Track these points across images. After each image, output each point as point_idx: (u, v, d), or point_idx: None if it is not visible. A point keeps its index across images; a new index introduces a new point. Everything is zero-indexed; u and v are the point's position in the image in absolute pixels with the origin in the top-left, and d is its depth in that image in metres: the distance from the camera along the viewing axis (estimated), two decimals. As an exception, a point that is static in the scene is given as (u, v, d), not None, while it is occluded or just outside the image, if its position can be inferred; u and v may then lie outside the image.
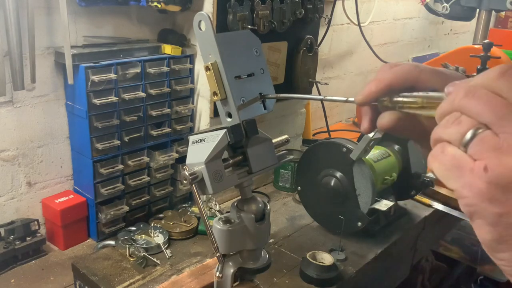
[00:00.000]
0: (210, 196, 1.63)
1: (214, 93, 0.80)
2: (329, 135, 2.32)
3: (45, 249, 1.50)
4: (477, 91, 0.39)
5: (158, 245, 1.45)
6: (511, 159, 0.36)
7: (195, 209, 1.67)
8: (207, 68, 0.79)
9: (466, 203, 0.39)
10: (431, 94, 0.47)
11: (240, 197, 0.92)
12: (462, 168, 0.39)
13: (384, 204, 1.46)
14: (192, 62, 1.66)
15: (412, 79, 0.50)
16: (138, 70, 1.51)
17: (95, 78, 1.39)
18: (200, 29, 0.78)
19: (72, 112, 1.50)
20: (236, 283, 0.96)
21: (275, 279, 1.35)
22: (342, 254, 1.47)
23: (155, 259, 1.39)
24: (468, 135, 0.39)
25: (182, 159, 1.70)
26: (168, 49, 1.61)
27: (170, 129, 1.64)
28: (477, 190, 0.38)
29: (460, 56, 2.22)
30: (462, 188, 0.39)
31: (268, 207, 0.94)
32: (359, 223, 1.47)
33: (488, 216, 0.38)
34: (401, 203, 1.79)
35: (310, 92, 2.12)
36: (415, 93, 0.49)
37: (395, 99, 0.50)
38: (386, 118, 0.52)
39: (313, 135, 2.45)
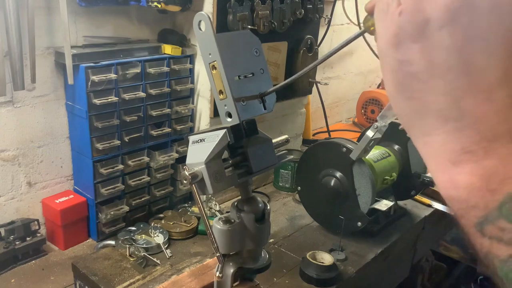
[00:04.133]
0: (210, 196, 1.64)
1: (220, 92, 0.80)
2: (329, 135, 2.33)
3: (45, 249, 1.50)
4: None
5: (158, 245, 1.45)
6: (423, 5, 0.37)
7: (195, 209, 1.67)
8: (213, 67, 0.79)
9: (378, 47, 0.41)
10: None
11: (240, 197, 0.92)
12: (387, 12, 0.40)
13: (384, 204, 1.46)
14: (192, 62, 1.66)
15: None
16: (138, 70, 1.51)
17: (95, 78, 1.39)
18: (200, 29, 0.78)
19: (72, 112, 1.50)
20: (236, 283, 0.96)
21: (275, 279, 1.35)
22: (342, 254, 1.47)
23: (155, 259, 1.39)
24: None
25: (182, 159, 1.70)
26: (168, 49, 1.61)
27: (170, 129, 1.64)
28: (389, 34, 0.40)
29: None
30: (380, 29, 0.41)
31: (268, 207, 0.94)
32: (359, 223, 1.47)
33: (391, 62, 0.40)
34: (401, 203, 1.79)
35: (310, 92, 2.13)
36: None
37: None
38: None
39: (313, 135, 2.46)
